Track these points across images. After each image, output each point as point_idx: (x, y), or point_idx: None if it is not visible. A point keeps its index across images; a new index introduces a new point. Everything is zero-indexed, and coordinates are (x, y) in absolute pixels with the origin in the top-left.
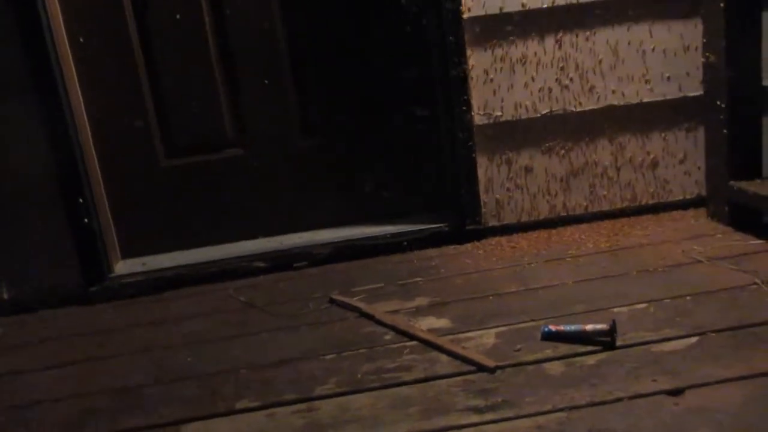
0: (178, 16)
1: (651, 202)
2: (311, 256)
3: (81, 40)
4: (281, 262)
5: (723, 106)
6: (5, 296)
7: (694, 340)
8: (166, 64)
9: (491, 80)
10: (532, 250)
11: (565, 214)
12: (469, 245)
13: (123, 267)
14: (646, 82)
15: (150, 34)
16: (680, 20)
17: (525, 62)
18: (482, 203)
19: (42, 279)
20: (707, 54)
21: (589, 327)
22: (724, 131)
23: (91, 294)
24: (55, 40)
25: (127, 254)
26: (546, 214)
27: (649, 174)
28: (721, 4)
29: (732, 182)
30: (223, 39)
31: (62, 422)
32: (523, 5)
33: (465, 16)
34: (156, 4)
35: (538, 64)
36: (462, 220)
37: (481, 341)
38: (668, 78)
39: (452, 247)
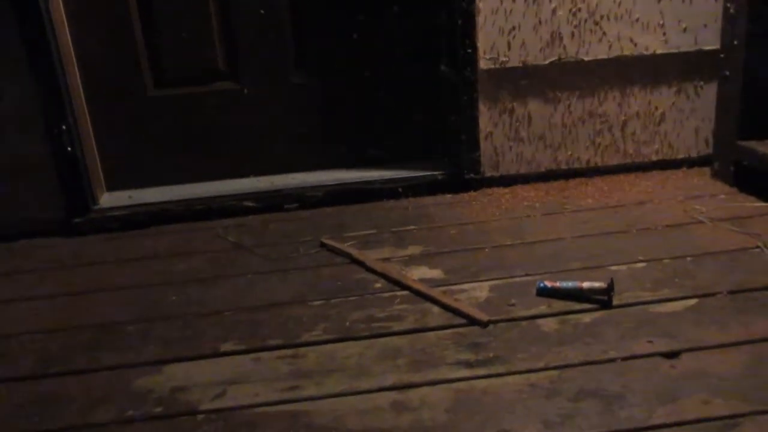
0: None
1: (656, 158)
2: (303, 198)
3: None
4: (272, 202)
5: (740, 61)
6: None
7: (692, 302)
8: None
9: (499, 21)
10: (531, 203)
11: (567, 167)
12: (465, 195)
13: (108, 199)
14: (662, 32)
15: None
16: None
17: (535, 2)
18: (481, 152)
19: (24, 208)
20: (728, 4)
21: (585, 284)
22: (738, 88)
23: (75, 225)
24: None
25: (112, 187)
26: (547, 166)
27: (655, 129)
28: None
29: (740, 142)
30: None
31: (41, 357)
32: None
33: None
34: None
35: (548, 4)
36: (460, 169)
37: (474, 294)
38: (684, 29)
39: (449, 195)
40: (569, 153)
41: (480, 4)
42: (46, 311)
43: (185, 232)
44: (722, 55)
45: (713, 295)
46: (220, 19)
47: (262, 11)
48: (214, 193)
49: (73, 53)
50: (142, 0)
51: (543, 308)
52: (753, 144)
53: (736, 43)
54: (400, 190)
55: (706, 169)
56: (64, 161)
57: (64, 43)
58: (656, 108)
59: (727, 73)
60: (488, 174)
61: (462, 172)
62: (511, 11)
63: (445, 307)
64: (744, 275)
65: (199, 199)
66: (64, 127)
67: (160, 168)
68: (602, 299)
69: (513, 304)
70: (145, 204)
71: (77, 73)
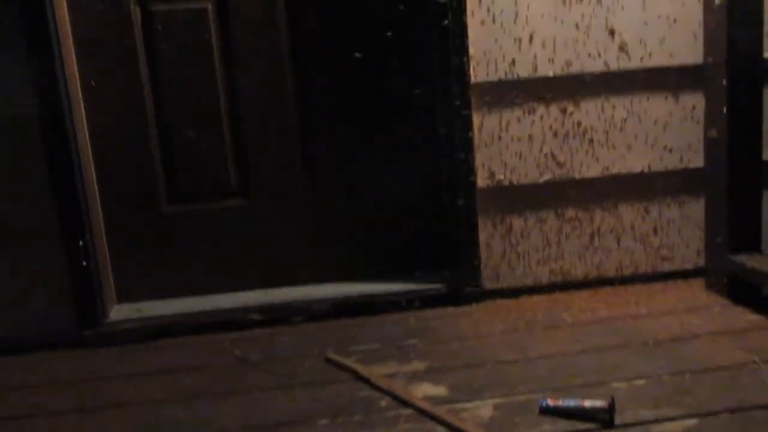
0: (190, 68)
1: (650, 270)
2: (309, 311)
3: (93, 83)
4: (278, 315)
5: (723, 179)
6: None
7: (693, 422)
8: (175, 110)
9: (495, 143)
10: (531, 316)
11: (564, 279)
12: (467, 307)
13: (118, 312)
14: (649, 152)
15: (161, 80)
16: (683, 92)
17: (529, 126)
18: (482, 265)
19: (35, 319)
20: (709, 128)
21: (587, 403)
22: (724, 205)
23: (85, 338)
24: (67, 77)
25: (122, 298)
26: (545, 279)
27: (649, 242)
28: (724, 81)
29: (731, 255)
30: (233, 90)
31: None
32: (529, 73)
33: (472, 80)
34: (168, 57)
35: (542, 128)
36: (461, 282)
37: (479, 413)
38: (670, 149)
39: (450, 308)
40: (567, 265)
41: (478, 126)
42: (50, 430)
43: (193, 346)
44: (707, 174)
45: (714, 414)
46: (233, 141)
47: (273, 128)
48: (221, 306)
49: (93, 171)
50: (161, 123)
51: (546, 427)
52: (743, 258)
53: (718, 163)
54: (403, 302)
55: (701, 280)
56: (78, 275)
57: (86, 161)
58: (649, 222)
59: (713, 190)
60: (489, 287)
61: (463, 285)
62: (506, 132)
63: (451, 428)
64: (743, 393)
65: (207, 312)
66: (81, 242)
67: (170, 280)
68: (604, 418)
69: (517, 424)
70: (154, 317)
71: (96, 189)
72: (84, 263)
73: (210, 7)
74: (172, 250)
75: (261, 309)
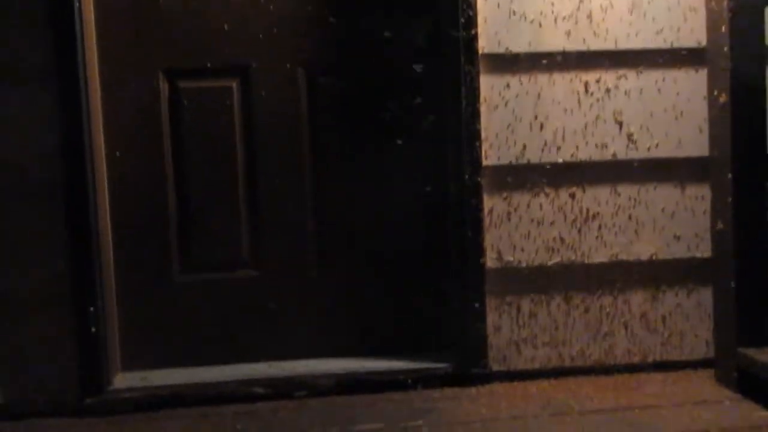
0: (212, 142)
1: (659, 359)
2: (313, 387)
3: (117, 153)
4: (282, 390)
5: (732, 272)
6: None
7: None
8: (194, 181)
9: (505, 224)
10: (538, 401)
11: (572, 364)
12: (473, 389)
13: (122, 380)
14: (657, 239)
15: (183, 152)
16: (690, 183)
17: (538, 209)
18: (489, 347)
19: (37, 385)
20: (716, 220)
21: None
22: (733, 297)
23: (86, 406)
24: (94, 148)
25: (127, 365)
26: (553, 364)
27: (657, 330)
28: (729, 175)
29: (741, 348)
30: (251, 165)
31: None
32: (539, 158)
33: (484, 163)
34: (192, 130)
35: (551, 213)
36: (467, 363)
37: None
38: (678, 238)
39: (456, 389)
40: (575, 350)
41: (488, 210)
42: None
43: (196, 418)
44: (716, 266)
45: None
46: (248, 214)
47: (288, 207)
48: (226, 378)
49: (110, 238)
50: (180, 193)
51: None
52: (752, 352)
53: (726, 255)
54: (408, 381)
55: (710, 371)
56: (85, 341)
57: (105, 227)
58: (657, 310)
59: (721, 282)
60: (495, 368)
61: (470, 366)
62: (514, 215)
63: None
64: None
65: (210, 384)
66: (92, 308)
67: (177, 348)
68: None
69: None
70: (158, 387)
71: (111, 256)
72: (93, 329)
73: (235, 85)
74: (180, 318)
75: (265, 382)
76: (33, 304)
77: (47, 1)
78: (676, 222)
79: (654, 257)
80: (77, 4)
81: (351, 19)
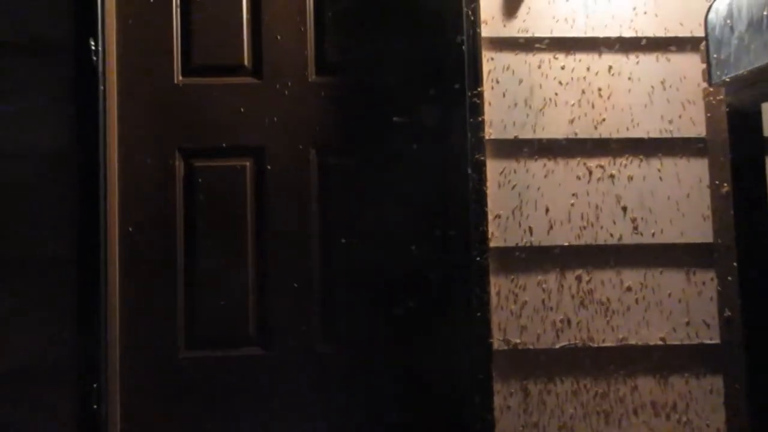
0: (223, 219)
1: None
2: None
3: (130, 229)
4: None
5: (741, 360)
6: None
7: None
8: (203, 258)
9: (511, 306)
10: None
11: None
12: None
13: None
14: (664, 324)
15: (195, 229)
16: (696, 269)
17: (545, 292)
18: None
19: None
20: (723, 307)
21: None
22: (743, 386)
23: None
24: (108, 225)
25: None
26: None
27: (668, 418)
28: (734, 263)
29: None
30: (261, 243)
31: None
32: (545, 241)
33: (491, 245)
34: (204, 208)
35: (558, 294)
36: None
37: None
38: (686, 323)
39: None
40: None
41: (496, 291)
42: None
43: None
44: (726, 353)
45: None
46: (256, 288)
47: (295, 285)
48: None
49: (118, 314)
50: (189, 269)
51: None
52: None
53: (735, 342)
54: None
55: None
56: (86, 418)
57: (113, 304)
58: (667, 396)
59: (731, 371)
60: None
61: None
62: (522, 293)
63: None
64: None
65: None
66: (95, 385)
67: (178, 426)
68: None
69: None
70: None
71: (117, 333)
72: (95, 406)
73: (248, 164)
74: (183, 395)
75: None
76: (37, 381)
77: (73, 83)
78: (684, 307)
79: (662, 342)
80: (102, 88)
81: (362, 104)
